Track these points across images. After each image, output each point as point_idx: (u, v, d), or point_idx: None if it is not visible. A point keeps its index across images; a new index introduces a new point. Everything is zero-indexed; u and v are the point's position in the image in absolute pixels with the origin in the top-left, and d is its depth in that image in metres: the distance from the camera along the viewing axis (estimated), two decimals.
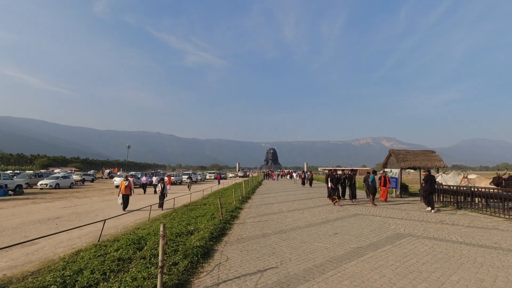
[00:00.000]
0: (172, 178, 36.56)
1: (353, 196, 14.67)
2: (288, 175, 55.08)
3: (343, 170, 17.09)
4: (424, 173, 13.59)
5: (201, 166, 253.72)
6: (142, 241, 6.42)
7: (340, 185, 14.67)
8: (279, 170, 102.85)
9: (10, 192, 22.36)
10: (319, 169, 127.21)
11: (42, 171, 50.26)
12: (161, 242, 4.13)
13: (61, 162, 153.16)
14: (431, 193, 11.99)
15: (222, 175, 60.41)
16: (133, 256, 5.44)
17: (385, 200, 14.64)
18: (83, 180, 41.25)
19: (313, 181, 30.48)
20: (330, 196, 14.81)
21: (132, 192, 12.96)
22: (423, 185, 12.46)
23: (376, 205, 13.59)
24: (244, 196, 17.29)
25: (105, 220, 7.19)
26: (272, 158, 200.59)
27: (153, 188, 24.11)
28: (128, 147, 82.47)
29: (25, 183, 28.32)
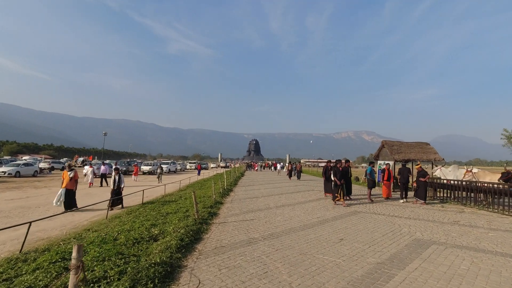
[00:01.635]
0: (148, 167, 34.05)
1: (348, 191, 13.08)
2: (272, 167, 53.83)
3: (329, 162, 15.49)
4: (417, 166, 12.56)
5: (182, 156, 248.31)
6: None
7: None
8: (261, 161, 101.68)
9: None
10: (301, 161, 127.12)
11: (6, 157, 46.26)
12: (71, 280, 2.28)
13: (33, 149, 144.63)
14: (404, 184, 12.39)
15: (203, 166, 58.25)
16: (52, 283, 3.54)
17: (388, 197, 13.16)
18: (51, 168, 38.05)
19: (301, 174, 29.04)
20: (331, 193, 13.05)
21: (91, 185, 10.50)
22: (399, 177, 12.71)
23: (373, 201, 12.21)
24: (225, 189, 15.50)
25: (30, 222, 5.17)
26: (255, 149, 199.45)
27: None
28: (104, 134, 78.14)
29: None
